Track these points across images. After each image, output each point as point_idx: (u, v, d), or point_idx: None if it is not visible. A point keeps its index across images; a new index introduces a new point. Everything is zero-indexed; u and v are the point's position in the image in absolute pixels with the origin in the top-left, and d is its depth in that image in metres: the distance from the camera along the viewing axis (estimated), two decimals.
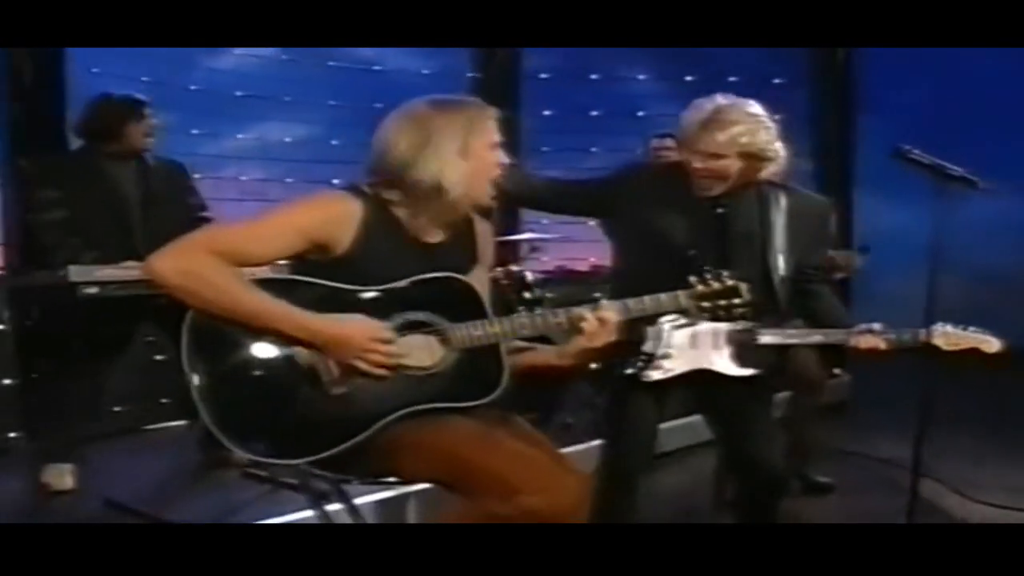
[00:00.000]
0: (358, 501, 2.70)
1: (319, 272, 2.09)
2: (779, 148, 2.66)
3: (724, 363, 2.74)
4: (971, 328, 2.79)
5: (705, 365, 2.73)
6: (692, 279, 2.28)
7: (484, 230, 2.37)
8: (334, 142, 5.87)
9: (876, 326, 2.75)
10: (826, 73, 6.60)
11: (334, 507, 2.52)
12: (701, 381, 2.76)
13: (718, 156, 2.60)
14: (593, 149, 6.35)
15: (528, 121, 6.51)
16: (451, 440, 2.04)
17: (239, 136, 5.76)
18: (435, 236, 2.24)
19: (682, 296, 2.25)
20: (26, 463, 3.87)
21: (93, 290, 3.27)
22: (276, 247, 2.08)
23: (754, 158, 2.63)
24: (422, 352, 2.09)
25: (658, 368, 2.70)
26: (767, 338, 2.73)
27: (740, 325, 2.70)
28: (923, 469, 4.25)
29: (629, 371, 2.70)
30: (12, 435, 4.35)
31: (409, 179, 2.13)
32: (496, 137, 2.20)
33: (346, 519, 2.51)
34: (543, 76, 6.51)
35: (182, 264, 1.98)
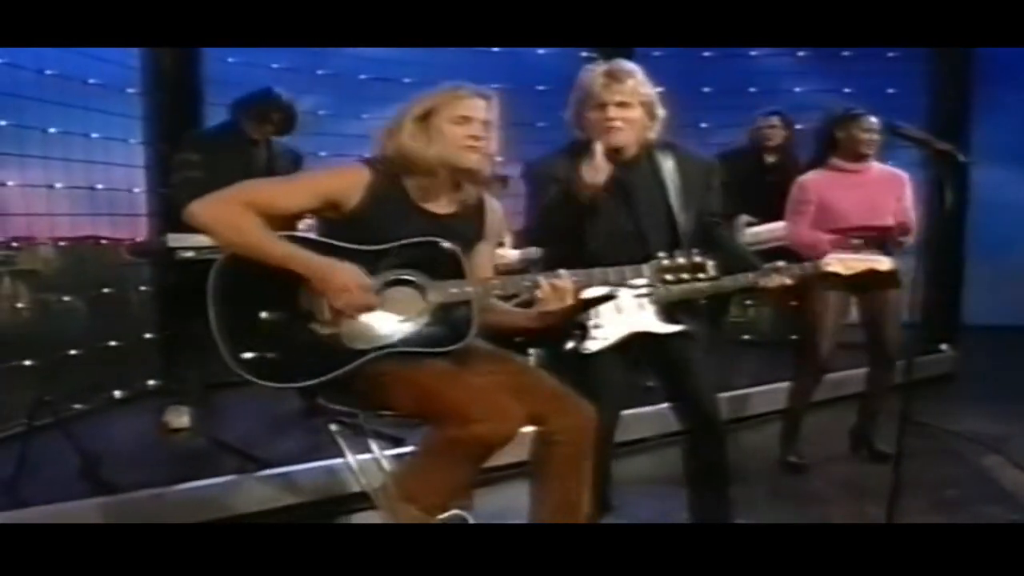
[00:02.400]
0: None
1: (338, 230, 2.48)
2: (661, 114, 2.87)
3: (653, 323, 2.93)
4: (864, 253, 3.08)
5: (637, 328, 2.92)
6: (660, 253, 2.50)
7: (495, 208, 2.71)
8: None
9: (780, 264, 2.95)
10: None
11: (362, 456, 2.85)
12: (639, 342, 2.94)
13: (625, 104, 2.80)
14: (703, 125, 6.45)
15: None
16: (422, 376, 2.40)
17: (363, 116, 6.19)
18: (443, 207, 2.59)
19: (645, 268, 2.49)
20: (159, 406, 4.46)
21: (189, 254, 3.68)
22: (296, 202, 2.48)
23: (648, 111, 2.84)
24: (404, 303, 2.44)
25: (594, 339, 2.88)
26: (688, 292, 2.89)
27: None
28: (991, 443, 4.30)
29: (569, 346, 2.88)
30: (151, 382, 5.01)
31: (391, 154, 2.51)
32: (468, 114, 2.51)
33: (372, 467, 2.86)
34: (656, 54, 6.64)
35: (215, 210, 2.40)
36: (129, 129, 5.09)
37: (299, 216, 2.54)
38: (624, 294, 2.86)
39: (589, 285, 2.52)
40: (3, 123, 4.36)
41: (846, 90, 6.36)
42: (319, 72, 6.05)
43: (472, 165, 2.54)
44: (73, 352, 4.59)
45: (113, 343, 4.82)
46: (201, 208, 2.41)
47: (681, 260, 2.49)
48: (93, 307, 4.87)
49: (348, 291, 2.37)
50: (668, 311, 2.95)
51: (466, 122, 2.52)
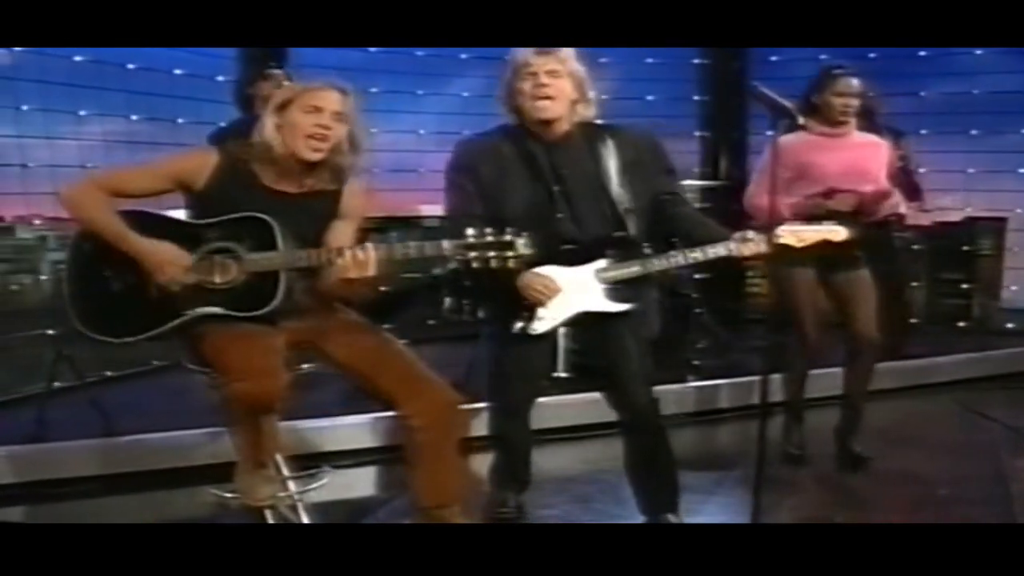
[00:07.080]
0: None
1: (194, 208, 2.74)
2: (593, 95, 2.86)
3: (600, 302, 2.90)
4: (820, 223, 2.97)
5: (583, 308, 2.89)
6: (468, 231, 2.52)
7: (353, 189, 2.82)
8: None
9: (750, 233, 2.84)
10: None
11: None
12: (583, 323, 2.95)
13: (555, 73, 2.80)
14: None
15: (755, 69, 6.69)
16: (220, 338, 2.61)
17: (419, 92, 6.48)
18: (293, 187, 2.75)
19: (445, 244, 2.56)
20: None
21: None
22: (147, 185, 2.74)
23: (578, 87, 2.83)
24: (221, 271, 2.65)
25: (541, 319, 2.89)
26: (639, 269, 2.90)
27: (603, 264, 2.89)
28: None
29: (518, 327, 2.89)
30: None
31: (254, 141, 2.72)
32: (319, 104, 2.66)
33: None
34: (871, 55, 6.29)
35: (72, 194, 2.71)
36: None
37: (152, 196, 2.76)
38: (572, 273, 2.88)
39: (391, 258, 2.58)
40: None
41: None
42: (419, 54, 6.29)
43: (308, 156, 2.68)
44: None
45: None
46: (63, 191, 2.73)
47: (489, 237, 2.52)
48: None
49: (163, 269, 2.61)
50: (616, 291, 2.92)
51: (316, 112, 2.66)
